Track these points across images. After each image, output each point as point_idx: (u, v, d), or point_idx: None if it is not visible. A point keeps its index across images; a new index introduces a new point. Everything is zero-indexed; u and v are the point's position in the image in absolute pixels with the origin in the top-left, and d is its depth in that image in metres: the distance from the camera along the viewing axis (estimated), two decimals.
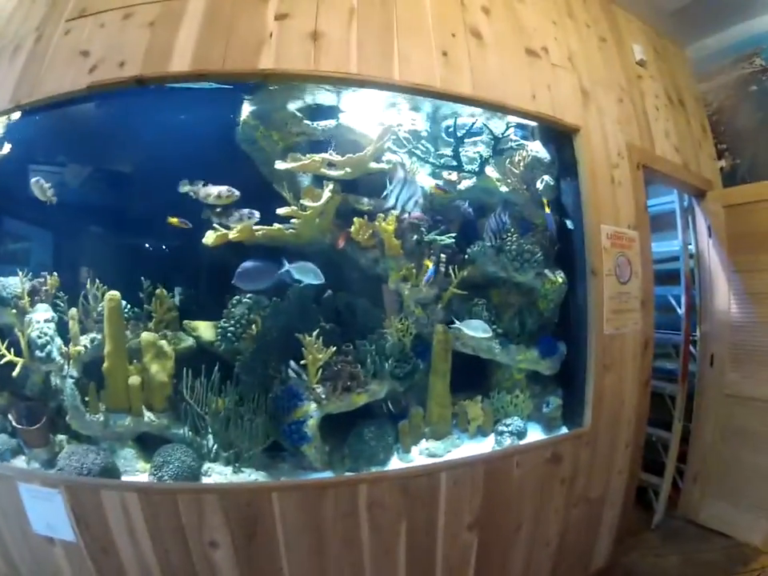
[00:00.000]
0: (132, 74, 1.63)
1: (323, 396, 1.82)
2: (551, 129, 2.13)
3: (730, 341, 2.73)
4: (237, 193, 1.87)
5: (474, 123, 2.06)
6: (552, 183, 2.16)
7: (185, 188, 1.89)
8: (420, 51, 1.83)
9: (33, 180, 1.91)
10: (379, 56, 1.77)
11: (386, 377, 1.94)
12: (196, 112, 1.93)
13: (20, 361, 1.76)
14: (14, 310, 1.85)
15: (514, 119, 2.10)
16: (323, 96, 1.96)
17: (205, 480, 1.70)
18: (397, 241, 1.94)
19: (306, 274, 1.84)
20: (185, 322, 2.08)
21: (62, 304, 1.92)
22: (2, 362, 1.74)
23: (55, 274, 1.97)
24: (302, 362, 1.82)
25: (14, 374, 1.74)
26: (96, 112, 1.99)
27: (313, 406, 1.80)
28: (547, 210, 2.13)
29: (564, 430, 2.11)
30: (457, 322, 1.99)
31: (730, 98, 2.93)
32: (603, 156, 2.15)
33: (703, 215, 2.77)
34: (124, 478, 1.70)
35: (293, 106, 1.98)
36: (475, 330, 1.98)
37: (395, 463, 1.85)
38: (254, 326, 1.94)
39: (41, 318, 1.85)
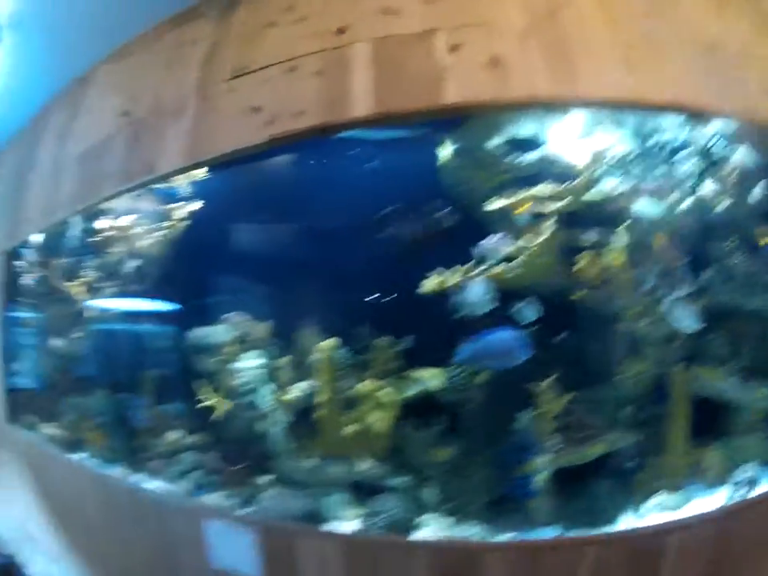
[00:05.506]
0: (313, 123, 1.55)
1: (556, 448, 1.71)
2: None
3: None
4: None
5: (681, 136, 1.90)
6: None
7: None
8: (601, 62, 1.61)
9: None
10: (563, 71, 1.55)
11: (622, 426, 1.78)
12: (395, 160, 1.91)
13: (223, 405, 1.81)
14: (222, 357, 1.89)
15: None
16: (521, 129, 1.88)
17: (419, 533, 1.59)
18: (628, 274, 1.78)
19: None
20: (408, 370, 1.95)
21: (273, 351, 1.93)
22: (207, 404, 1.80)
23: (266, 322, 1.98)
24: (534, 412, 1.71)
25: (215, 416, 1.80)
26: (288, 168, 1.99)
27: (544, 459, 1.69)
28: None
29: None
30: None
31: None
32: None
33: None
34: (331, 525, 1.63)
35: (492, 143, 1.91)
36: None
37: (626, 521, 1.66)
38: (483, 374, 1.82)
39: (249, 364, 1.88)
